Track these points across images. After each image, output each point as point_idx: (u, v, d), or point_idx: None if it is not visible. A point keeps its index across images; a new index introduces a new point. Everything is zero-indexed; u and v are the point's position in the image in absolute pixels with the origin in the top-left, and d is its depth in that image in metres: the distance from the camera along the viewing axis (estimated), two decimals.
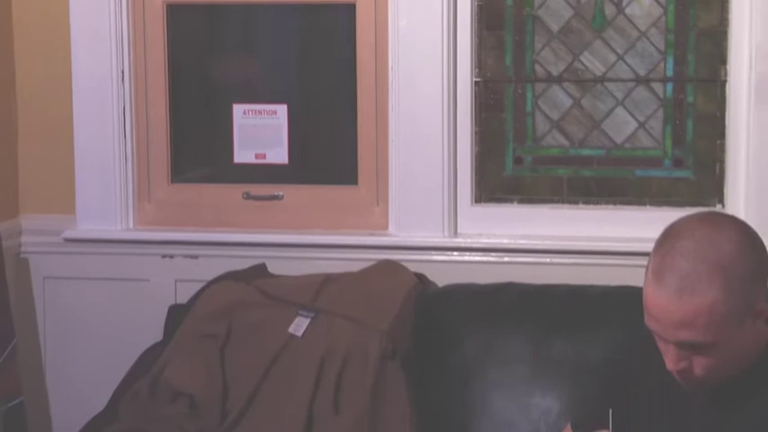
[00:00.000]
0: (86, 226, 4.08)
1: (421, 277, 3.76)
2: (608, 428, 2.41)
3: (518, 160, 3.93)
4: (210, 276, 3.83)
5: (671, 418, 2.47)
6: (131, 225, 4.09)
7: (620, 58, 3.82)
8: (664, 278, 2.33)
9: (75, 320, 4.10)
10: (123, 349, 3.85)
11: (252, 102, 4.03)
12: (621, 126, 3.87)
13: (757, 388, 2.41)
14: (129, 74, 4.02)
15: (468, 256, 3.91)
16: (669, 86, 3.81)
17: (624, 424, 2.47)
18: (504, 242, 3.88)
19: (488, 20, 3.87)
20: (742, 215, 3.60)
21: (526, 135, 3.92)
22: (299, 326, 3.63)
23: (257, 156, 4.06)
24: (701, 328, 2.31)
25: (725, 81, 3.76)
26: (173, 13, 4.06)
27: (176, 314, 3.80)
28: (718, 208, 3.75)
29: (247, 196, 4.05)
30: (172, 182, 4.12)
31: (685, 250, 2.34)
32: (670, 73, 3.81)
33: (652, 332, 2.39)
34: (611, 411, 2.40)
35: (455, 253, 3.91)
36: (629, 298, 2.45)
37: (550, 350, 3.52)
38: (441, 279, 3.78)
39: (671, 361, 2.37)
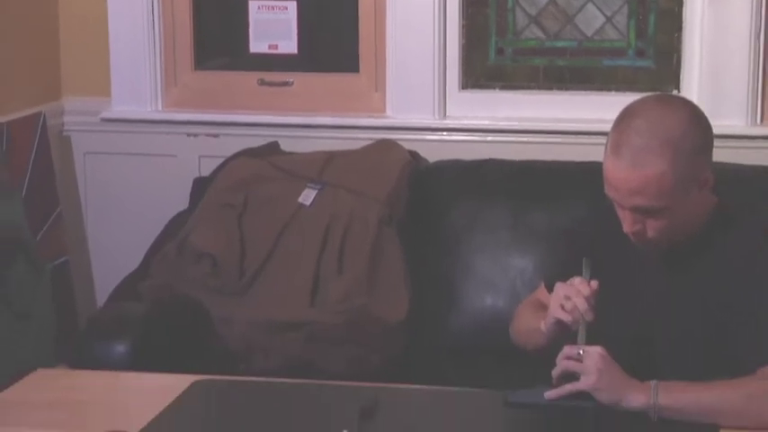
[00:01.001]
0: (121, 107, 4.07)
1: (414, 154, 3.78)
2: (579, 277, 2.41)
3: (500, 51, 3.93)
4: (230, 153, 3.83)
5: (627, 277, 2.49)
6: (160, 107, 4.08)
7: None
8: (620, 152, 2.33)
9: (111, 191, 4.11)
10: (154, 217, 3.86)
11: None
12: (591, 20, 3.86)
13: (701, 251, 2.44)
14: None
15: (455, 136, 3.92)
16: None
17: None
18: (487, 123, 3.89)
19: None
20: (695, 99, 3.61)
21: (507, 29, 3.91)
22: (308, 196, 3.64)
23: (270, 46, 4.05)
24: (652, 195, 2.33)
25: None
26: None
27: (200, 186, 3.80)
28: (674, 93, 3.76)
29: (261, 82, 4.06)
30: (195, 69, 4.11)
31: (640, 128, 2.33)
32: None
33: (611, 200, 2.40)
34: (585, 260, 2.40)
35: (444, 133, 3.93)
36: (595, 172, 2.45)
37: (527, 218, 3.55)
38: (431, 156, 3.79)
39: (627, 224, 2.39)
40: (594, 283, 2.39)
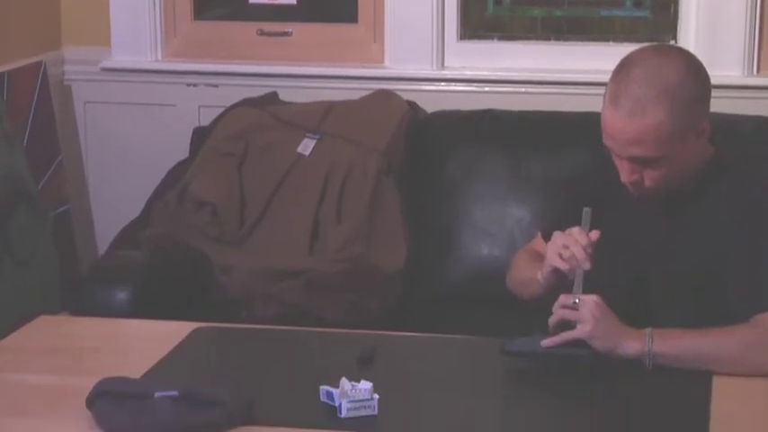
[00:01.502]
0: (120, 57, 4.06)
1: (412, 105, 3.77)
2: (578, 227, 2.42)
3: (498, 1, 3.92)
4: (229, 103, 3.82)
5: (624, 225, 2.49)
6: (160, 57, 4.07)
7: None
8: (618, 102, 2.33)
9: (112, 140, 4.10)
10: (154, 166, 3.85)
11: None
12: None
13: (697, 199, 2.45)
14: None
15: (453, 87, 3.92)
16: None
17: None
18: (486, 74, 3.88)
19: None
20: (692, 50, 3.60)
21: None
22: (307, 146, 3.64)
23: None
24: (649, 145, 2.33)
25: None
26: None
27: (200, 136, 3.80)
28: (671, 44, 3.75)
29: (261, 33, 4.04)
30: (195, 19, 4.10)
31: (637, 77, 2.34)
32: None
33: (609, 149, 2.41)
34: (585, 210, 2.40)
35: (442, 83, 3.93)
36: (593, 122, 2.46)
37: (525, 168, 3.55)
38: (430, 106, 3.77)
39: (625, 174, 2.40)
40: (594, 234, 2.39)
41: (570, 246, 2.38)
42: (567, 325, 2.33)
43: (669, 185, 2.42)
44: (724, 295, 2.38)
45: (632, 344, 2.29)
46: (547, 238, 2.60)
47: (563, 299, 2.34)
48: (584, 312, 2.31)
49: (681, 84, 2.34)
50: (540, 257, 2.61)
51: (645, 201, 2.46)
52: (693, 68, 2.40)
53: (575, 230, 2.40)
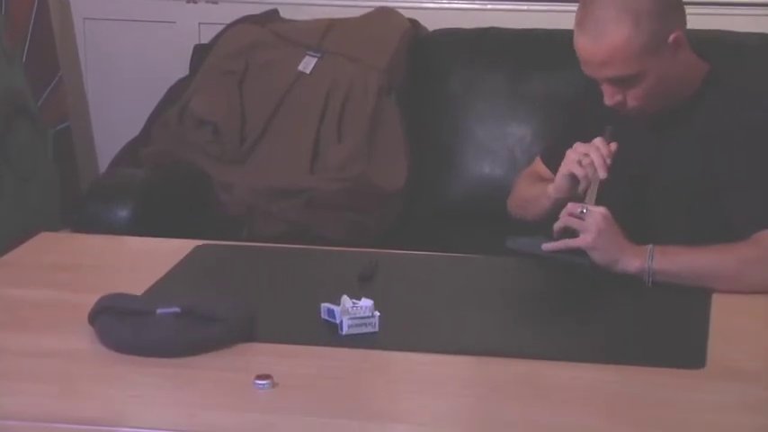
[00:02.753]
0: None
1: (414, 22, 3.75)
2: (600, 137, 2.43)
3: None
4: (230, 20, 3.81)
5: (624, 142, 2.45)
6: None
7: None
8: (583, 27, 2.35)
9: (112, 58, 4.08)
10: (154, 83, 3.84)
11: None
12: None
13: (693, 117, 2.44)
14: None
15: (455, 4, 3.89)
16: None
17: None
18: None
19: None
20: None
21: None
22: (308, 64, 3.64)
23: None
24: (620, 63, 2.33)
25: None
26: None
27: (200, 53, 3.78)
28: None
29: None
30: None
31: (600, 0, 2.35)
32: None
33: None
34: (607, 128, 2.40)
35: (444, 1, 3.90)
36: None
37: (526, 86, 3.55)
38: (431, 24, 3.76)
39: (607, 97, 2.40)
40: (614, 145, 2.39)
41: (591, 152, 2.38)
42: (571, 234, 2.33)
43: (656, 102, 2.41)
44: (720, 212, 2.38)
45: (633, 261, 2.30)
46: (546, 160, 2.61)
47: (570, 207, 2.35)
48: (589, 222, 2.31)
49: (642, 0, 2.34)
50: (541, 180, 2.61)
51: (636, 120, 2.45)
52: None
53: (597, 140, 2.41)
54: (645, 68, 2.35)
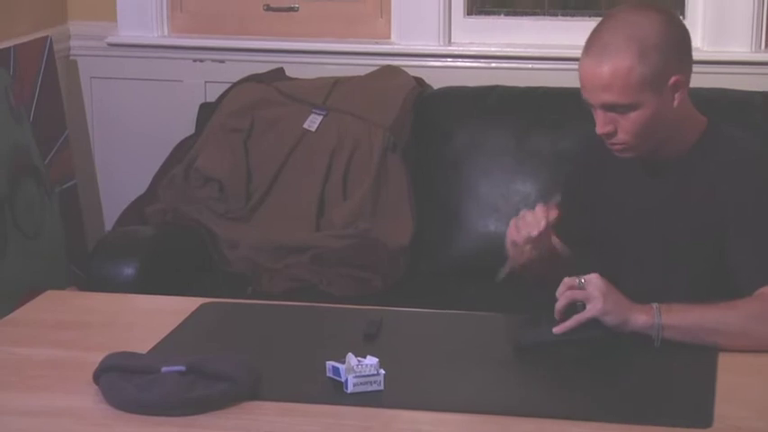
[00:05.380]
0: (127, 32, 4.05)
1: (419, 80, 3.78)
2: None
3: None
4: (235, 78, 3.84)
5: (621, 193, 2.50)
6: (166, 32, 4.06)
7: None
8: (590, 49, 2.36)
9: (118, 116, 4.09)
10: (160, 141, 3.86)
11: None
12: None
13: (693, 168, 2.43)
14: None
15: (460, 62, 3.91)
16: None
17: (583, 201, 2.52)
18: (493, 50, 3.88)
19: None
20: (700, 25, 3.62)
21: None
22: (313, 122, 3.65)
23: None
24: (618, 90, 2.33)
25: None
26: None
27: (206, 111, 3.81)
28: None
29: (267, 8, 4.03)
30: None
31: (610, 27, 2.37)
32: None
33: (587, 105, 2.40)
34: (556, 197, 2.44)
35: (449, 59, 3.92)
36: None
37: (530, 144, 3.56)
38: (436, 82, 3.79)
39: (599, 125, 2.38)
40: (554, 212, 2.41)
41: (526, 215, 2.43)
42: (570, 310, 2.33)
43: (646, 143, 2.40)
44: (717, 266, 2.39)
45: (641, 316, 2.29)
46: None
47: (567, 281, 2.34)
48: (592, 290, 2.30)
49: (651, 32, 2.35)
50: None
51: (625, 158, 2.44)
52: (668, 19, 2.41)
53: (537, 207, 2.44)
54: (641, 101, 2.35)
